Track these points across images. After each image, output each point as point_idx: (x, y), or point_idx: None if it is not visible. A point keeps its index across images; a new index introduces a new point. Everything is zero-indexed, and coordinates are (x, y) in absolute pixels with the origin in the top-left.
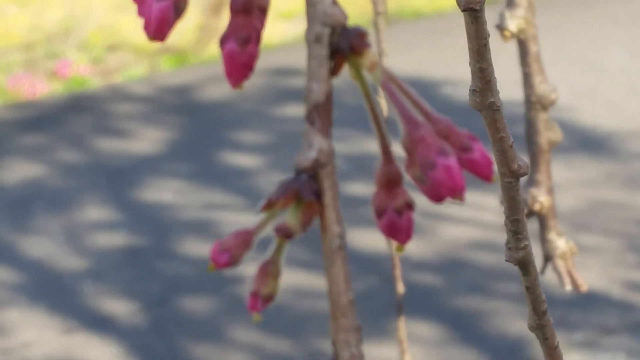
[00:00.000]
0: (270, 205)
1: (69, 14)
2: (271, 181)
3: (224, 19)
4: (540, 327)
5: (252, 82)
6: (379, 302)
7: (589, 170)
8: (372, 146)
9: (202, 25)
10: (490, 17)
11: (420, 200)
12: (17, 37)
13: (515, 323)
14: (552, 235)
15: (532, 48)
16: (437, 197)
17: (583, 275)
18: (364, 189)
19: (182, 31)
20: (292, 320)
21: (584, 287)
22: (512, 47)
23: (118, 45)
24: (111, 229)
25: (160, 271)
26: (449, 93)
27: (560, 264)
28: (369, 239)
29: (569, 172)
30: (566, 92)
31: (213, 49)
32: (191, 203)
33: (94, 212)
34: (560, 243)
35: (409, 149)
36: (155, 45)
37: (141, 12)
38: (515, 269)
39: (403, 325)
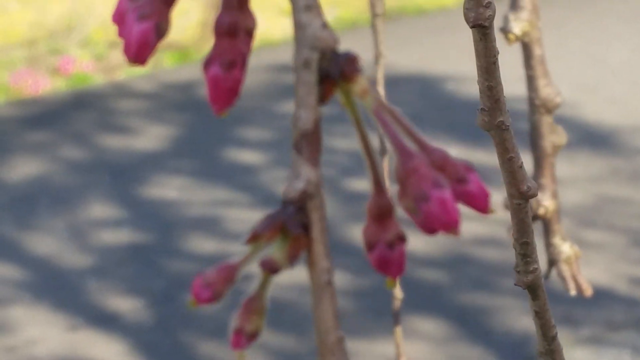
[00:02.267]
0: (255, 238)
1: (71, 11)
2: (275, 177)
3: None
4: (549, 353)
5: (256, 79)
6: (382, 298)
7: (593, 166)
8: (375, 142)
9: (204, 22)
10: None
11: None
12: (20, 33)
13: (520, 319)
14: (556, 240)
15: (537, 51)
16: (430, 230)
17: (588, 271)
18: (367, 185)
19: (185, 28)
20: (297, 317)
21: (589, 291)
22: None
23: (120, 42)
24: (115, 226)
25: (165, 268)
26: (452, 89)
27: (564, 268)
28: None
29: (573, 168)
30: (569, 87)
31: None
32: (195, 200)
33: (98, 209)
34: (565, 247)
35: (402, 180)
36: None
37: (121, 34)
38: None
39: (400, 331)
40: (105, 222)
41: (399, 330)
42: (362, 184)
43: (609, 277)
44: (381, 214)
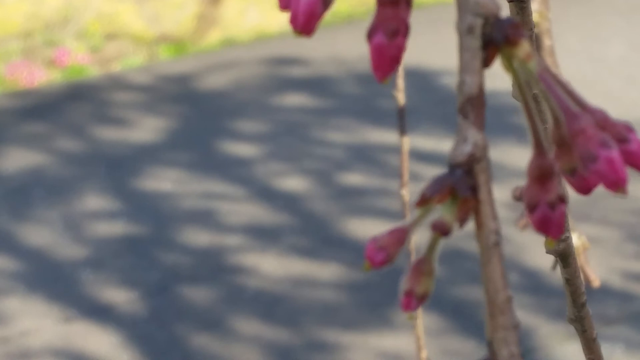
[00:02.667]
0: (424, 201)
1: (67, 3)
2: (270, 170)
3: (222, 8)
4: (579, 320)
5: (251, 72)
6: (379, 291)
7: None
8: (371, 136)
9: (200, 14)
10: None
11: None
12: (16, 25)
13: (516, 313)
14: None
15: (546, 42)
16: (587, 189)
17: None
18: (362, 179)
19: (180, 20)
20: (291, 310)
21: (597, 282)
22: None
23: (116, 34)
24: (110, 218)
25: (160, 260)
26: (449, 82)
27: None
28: (368, 228)
29: None
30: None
31: (212, 38)
32: (190, 192)
33: (93, 201)
34: (573, 238)
35: (566, 141)
36: (154, 34)
37: (285, 5)
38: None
39: (421, 323)
40: (100, 214)
41: (420, 324)
42: (357, 178)
43: (603, 272)
44: (542, 175)
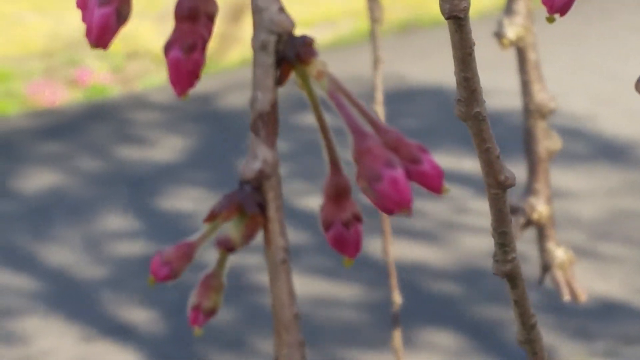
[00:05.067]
0: (212, 217)
1: None
2: (290, 189)
3: (243, 26)
4: (529, 342)
5: None
6: (400, 311)
7: (610, 179)
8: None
9: (221, 33)
10: (489, 25)
11: (434, 208)
12: (37, 44)
13: None
14: (550, 245)
15: (531, 56)
16: (386, 209)
17: (604, 284)
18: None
19: None
20: (311, 329)
21: (583, 297)
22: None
23: (138, 53)
24: (131, 238)
25: (180, 279)
26: None
27: (558, 273)
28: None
29: (590, 181)
30: (586, 100)
31: (233, 57)
32: None
33: (114, 220)
34: (559, 253)
35: (357, 161)
36: None
37: (84, 19)
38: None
39: (399, 336)
40: (121, 234)
41: (397, 335)
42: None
43: (624, 291)
44: (337, 194)
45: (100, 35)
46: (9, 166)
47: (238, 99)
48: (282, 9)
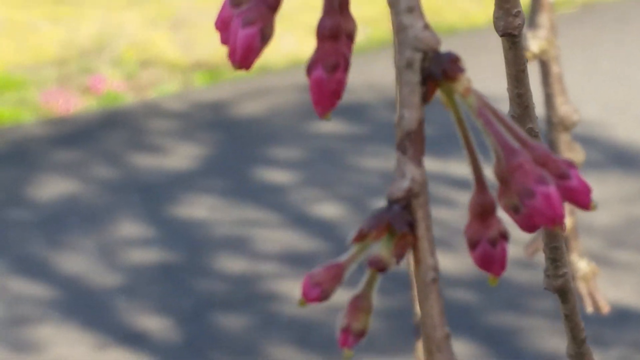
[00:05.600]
0: (361, 237)
1: (102, 30)
2: (305, 197)
3: None
4: (579, 356)
5: (286, 98)
6: (410, 319)
7: (624, 186)
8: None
9: None
10: None
11: (451, 216)
12: (51, 52)
13: (550, 340)
14: (574, 257)
15: (554, 69)
16: (532, 227)
17: (618, 292)
18: None
19: (215, 47)
20: (326, 336)
21: (606, 308)
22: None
23: (151, 61)
24: (145, 245)
25: (194, 287)
26: None
27: (582, 285)
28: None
29: (604, 189)
30: (599, 107)
31: None
32: (225, 219)
33: (128, 228)
34: (582, 265)
35: (506, 177)
36: (188, 60)
37: (225, 40)
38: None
39: (421, 347)
40: (135, 241)
41: (420, 345)
42: None
43: (638, 298)
44: (483, 212)
45: (245, 56)
46: (24, 174)
47: (252, 107)
48: (427, 26)
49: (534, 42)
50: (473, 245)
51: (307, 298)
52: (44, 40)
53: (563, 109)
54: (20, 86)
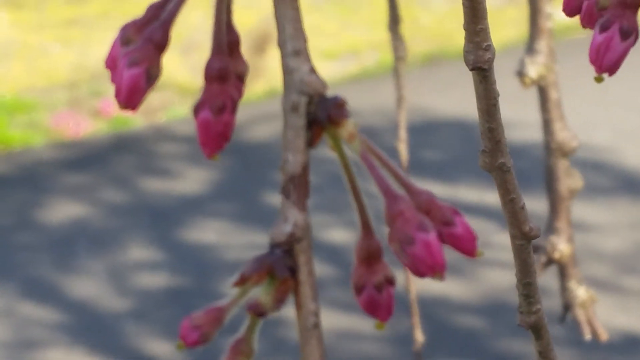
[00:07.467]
0: (243, 281)
1: None
2: (314, 222)
3: (269, 58)
4: None
5: None
6: (411, 345)
7: (633, 212)
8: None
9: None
10: (511, 63)
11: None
12: (62, 75)
13: None
14: (572, 284)
15: (553, 95)
16: (418, 273)
17: (627, 319)
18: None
19: None
20: None
21: (604, 336)
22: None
23: (161, 85)
24: (154, 269)
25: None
26: None
27: (580, 312)
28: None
29: (613, 214)
30: (609, 133)
31: (257, 89)
32: (234, 243)
33: (137, 252)
34: (580, 292)
35: (389, 224)
36: (199, 84)
37: (113, 79)
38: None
39: None
40: (144, 265)
41: None
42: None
43: None
44: (369, 257)
45: (130, 96)
46: (33, 197)
47: (263, 131)
48: (312, 70)
49: (532, 68)
50: (359, 290)
51: (185, 341)
52: (55, 63)
53: (562, 134)
54: (30, 109)
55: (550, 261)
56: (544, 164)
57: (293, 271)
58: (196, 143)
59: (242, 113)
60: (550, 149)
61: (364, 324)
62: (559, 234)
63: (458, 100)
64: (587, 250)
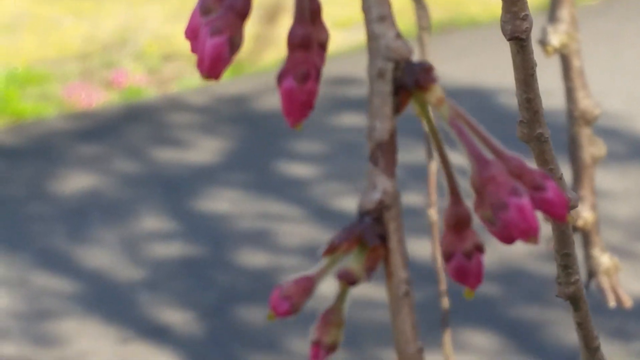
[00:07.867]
0: (332, 250)
1: (124, 24)
2: (328, 191)
3: (280, 27)
4: None
5: None
6: (434, 312)
7: None
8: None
9: (257, 35)
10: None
11: None
12: (73, 47)
13: (572, 333)
14: (595, 252)
15: (575, 63)
16: (508, 239)
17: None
18: (420, 198)
19: None
20: (348, 330)
21: (628, 303)
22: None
23: (173, 55)
24: (167, 239)
25: (216, 281)
26: (505, 102)
27: (604, 280)
28: (427, 248)
29: (625, 181)
30: (622, 99)
31: (269, 58)
32: (247, 213)
33: (150, 222)
34: (604, 259)
35: (479, 189)
36: None
37: (194, 49)
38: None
39: (449, 341)
40: (157, 235)
41: (448, 340)
42: (415, 198)
43: None
44: (458, 224)
45: (213, 66)
46: (46, 168)
47: (273, 101)
48: (398, 35)
49: (554, 37)
50: (448, 257)
51: (276, 312)
52: (67, 35)
53: (584, 102)
54: (43, 81)
55: (574, 229)
56: (566, 132)
57: (383, 239)
58: (208, 113)
59: (254, 83)
60: (573, 117)
61: (379, 291)
62: (583, 201)
63: (470, 69)
64: (601, 217)
